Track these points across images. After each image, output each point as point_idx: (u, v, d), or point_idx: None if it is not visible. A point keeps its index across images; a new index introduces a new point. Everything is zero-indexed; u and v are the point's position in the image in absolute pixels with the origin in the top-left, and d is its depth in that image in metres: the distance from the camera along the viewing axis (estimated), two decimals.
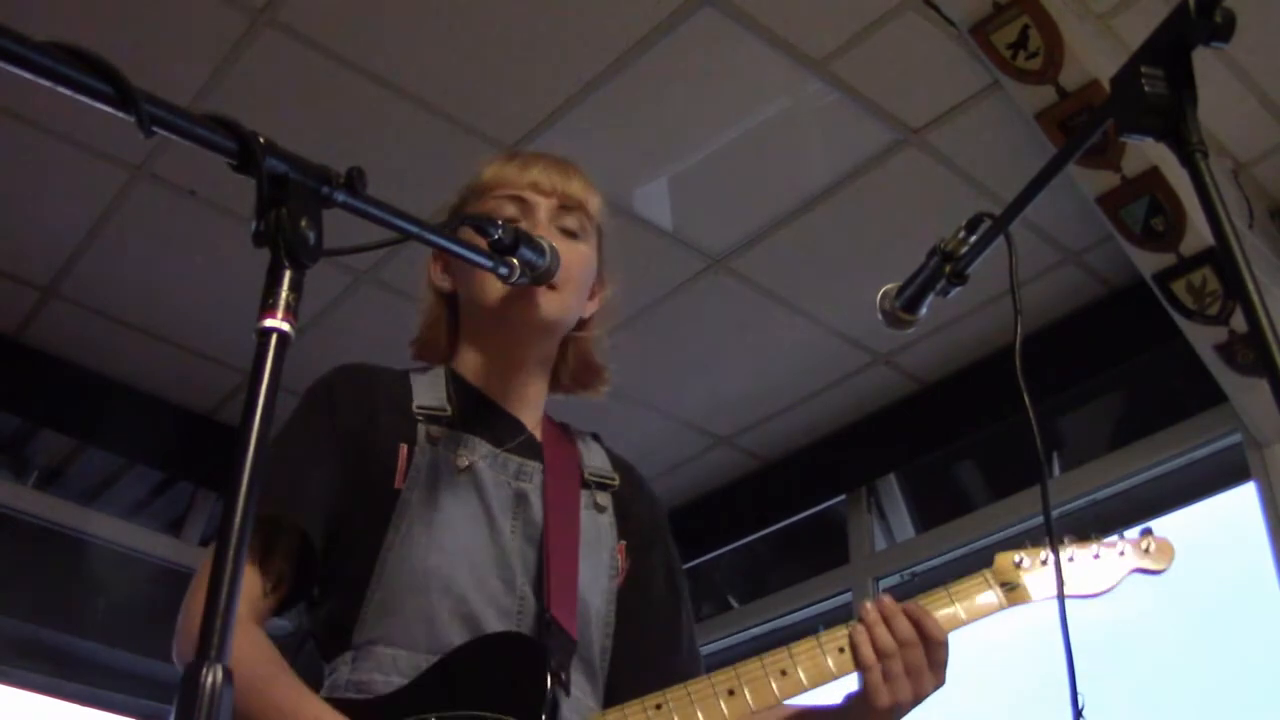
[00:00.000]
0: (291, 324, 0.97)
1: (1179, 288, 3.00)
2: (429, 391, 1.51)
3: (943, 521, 3.89)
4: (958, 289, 1.46)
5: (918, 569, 3.92)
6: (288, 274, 0.99)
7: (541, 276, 1.45)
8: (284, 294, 0.98)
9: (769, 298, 3.61)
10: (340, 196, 1.07)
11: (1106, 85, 2.44)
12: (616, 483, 1.60)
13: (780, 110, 3.09)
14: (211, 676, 0.81)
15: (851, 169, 3.22)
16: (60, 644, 3.90)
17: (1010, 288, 1.36)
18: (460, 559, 1.39)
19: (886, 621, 1.44)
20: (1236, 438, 3.24)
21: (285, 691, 1.28)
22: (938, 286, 1.47)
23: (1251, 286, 0.97)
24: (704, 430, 4.16)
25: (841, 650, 1.44)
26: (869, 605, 1.47)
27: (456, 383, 1.53)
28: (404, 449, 1.44)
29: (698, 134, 3.16)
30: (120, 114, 0.94)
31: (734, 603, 4.46)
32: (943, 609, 1.49)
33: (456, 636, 1.36)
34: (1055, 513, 1.44)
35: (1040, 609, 1.54)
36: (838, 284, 3.54)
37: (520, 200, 1.54)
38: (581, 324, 1.61)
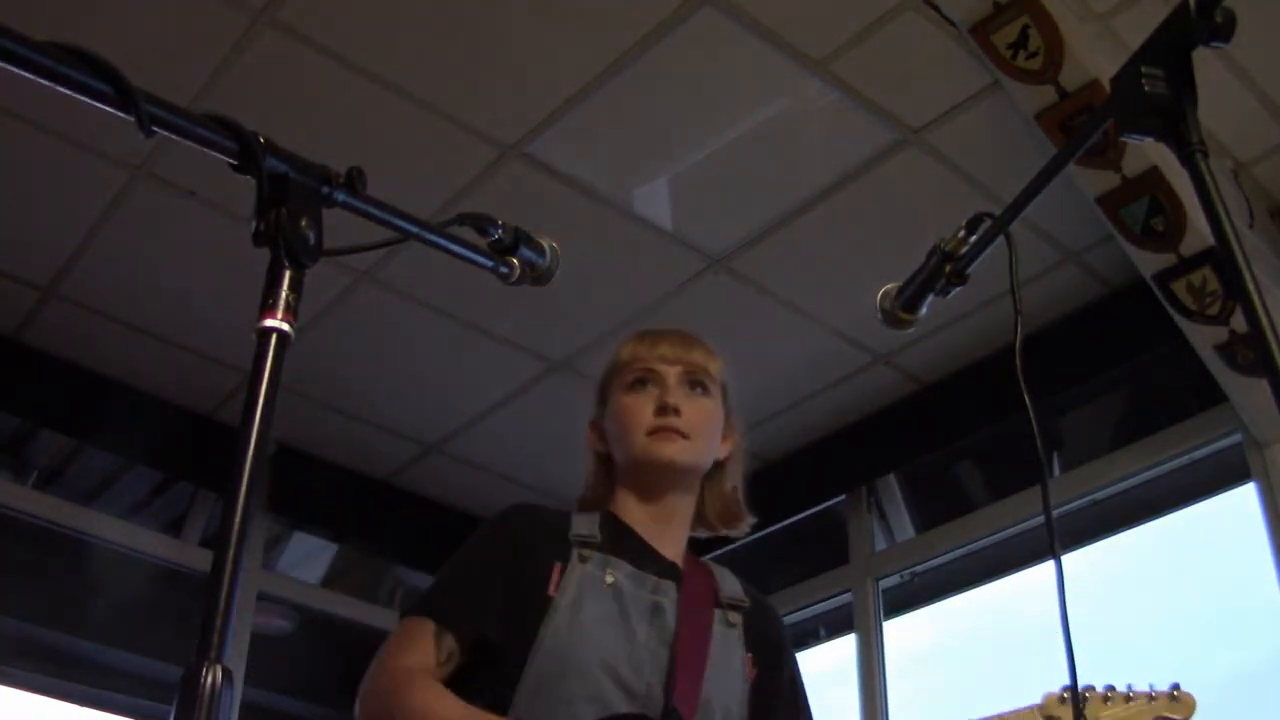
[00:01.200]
0: (291, 324, 0.98)
1: (1179, 288, 3.00)
2: (585, 525, 1.76)
3: (943, 521, 3.89)
4: (958, 289, 1.46)
5: (918, 569, 3.92)
6: (288, 274, 0.99)
7: (543, 276, 1.44)
8: (284, 294, 0.98)
9: (769, 298, 3.61)
10: (340, 196, 1.07)
11: (1106, 85, 2.44)
12: (747, 604, 1.80)
13: (780, 110, 3.09)
14: (211, 676, 0.81)
15: (851, 169, 3.22)
16: (60, 644, 3.90)
17: (1010, 288, 1.36)
18: (596, 653, 1.62)
19: None
20: (1236, 438, 3.24)
21: None
22: (938, 286, 1.46)
23: (1251, 286, 0.97)
24: None
25: None
26: None
27: (609, 519, 1.78)
28: (558, 565, 1.69)
29: (698, 134, 3.16)
30: (120, 114, 0.94)
31: None
32: None
33: (588, 717, 1.57)
34: (1055, 513, 1.44)
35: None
36: (838, 284, 3.54)
37: (651, 370, 1.81)
38: (718, 465, 1.84)
